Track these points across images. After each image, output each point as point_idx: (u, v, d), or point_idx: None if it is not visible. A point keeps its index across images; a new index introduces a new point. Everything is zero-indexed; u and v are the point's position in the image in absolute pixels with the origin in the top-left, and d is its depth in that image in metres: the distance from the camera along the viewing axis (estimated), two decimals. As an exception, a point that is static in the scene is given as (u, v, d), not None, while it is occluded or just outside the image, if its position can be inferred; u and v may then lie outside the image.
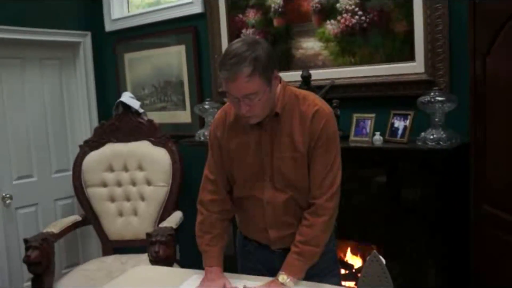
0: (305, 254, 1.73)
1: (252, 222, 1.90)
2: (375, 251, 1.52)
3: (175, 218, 3.20)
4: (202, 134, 3.22)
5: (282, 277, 1.70)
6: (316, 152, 1.73)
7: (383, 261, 1.52)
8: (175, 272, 1.95)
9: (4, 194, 3.57)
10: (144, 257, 2.95)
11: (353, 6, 2.74)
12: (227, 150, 1.85)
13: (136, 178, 3.46)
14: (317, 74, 2.83)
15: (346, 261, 2.94)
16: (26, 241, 2.95)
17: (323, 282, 1.81)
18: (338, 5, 2.79)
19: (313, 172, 1.75)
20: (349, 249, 2.95)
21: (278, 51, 3.08)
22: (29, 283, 3.10)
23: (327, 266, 1.90)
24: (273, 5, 3.09)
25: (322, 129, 1.71)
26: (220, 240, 1.90)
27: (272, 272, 1.89)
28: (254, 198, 1.83)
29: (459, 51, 2.39)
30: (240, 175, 1.85)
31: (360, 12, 2.72)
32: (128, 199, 3.48)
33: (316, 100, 1.77)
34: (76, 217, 3.48)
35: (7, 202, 3.58)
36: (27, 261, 2.90)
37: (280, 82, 1.78)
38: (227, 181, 1.90)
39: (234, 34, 3.29)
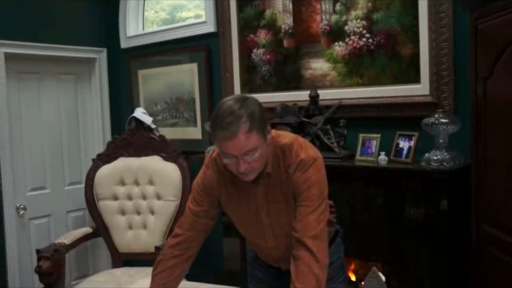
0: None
1: (262, 255, 1.99)
2: (374, 268, 1.57)
3: (183, 232, 3.25)
4: (212, 150, 3.28)
5: None
6: (300, 196, 1.70)
7: (383, 278, 1.57)
8: (182, 285, 1.98)
9: (18, 205, 3.66)
10: (152, 270, 3.00)
11: (361, 29, 2.81)
12: (224, 202, 1.84)
13: (146, 192, 3.53)
14: (325, 94, 2.90)
15: (350, 278, 2.96)
16: (38, 251, 3.02)
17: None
18: (346, 27, 2.87)
19: (297, 211, 1.70)
20: (352, 267, 2.97)
21: (288, 71, 3.16)
22: (40, 293, 3.16)
23: (335, 274, 1.95)
24: (283, 26, 3.17)
25: (305, 177, 1.68)
26: (169, 275, 1.84)
27: (282, 282, 1.93)
28: (259, 243, 1.91)
29: (463, 74, 2.44)
30: (241, 226, 1.91)
31: (367, 35, 2.79)
32: (138, 212, 3.55)
33: (299, 151, 1.72)
34: (87, 229, 3.56)
35: (21, 212, 3.67)
36: (38, 271, 2.97)
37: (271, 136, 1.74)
38: (206, 225, 1.87)
39: (245, 53, 3.39)
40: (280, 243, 1.83)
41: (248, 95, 1.72)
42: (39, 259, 2.99)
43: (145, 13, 4.28)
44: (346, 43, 2.88)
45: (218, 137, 1.57)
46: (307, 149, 1.73)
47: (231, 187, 1.80)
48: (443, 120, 2.38)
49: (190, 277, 3.23)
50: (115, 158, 3.67)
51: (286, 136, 1.77)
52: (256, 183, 1.74)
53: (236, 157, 1.58)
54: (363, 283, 2.81)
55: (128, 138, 3.68)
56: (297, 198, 1.71)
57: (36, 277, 3.08)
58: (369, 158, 2.65)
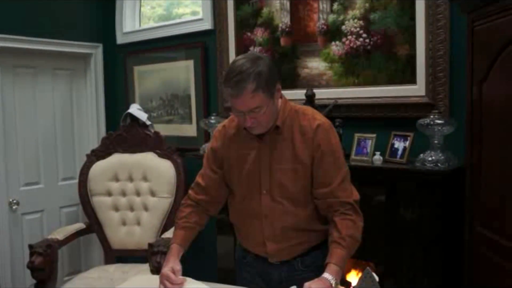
0: (352, 249, 1.77)
1: (251, 235, 1.95)
2: (368, 267, 1.57)
3: (177, 230, 3.25)
4: (207, 148, 3.28)
5: (334, 282, 1.64)
6: (326, 162, 1.79)
7: (376, 278, 1.57)
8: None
9: (11, 200, 3.64)
10: (146, 267, 3.00)
11: (357, 29, 2.81)
12: (227, 161, 1.92)
13: (140, 188, 3.53)
14: (321, 93, 2.90)
15: (344, 278, 2.97)
16: (31, 246, 3.01)
17: None
18: (343, 27, 2.87)
19: (331, 180, 1.79)
20: (347, 266, 2.98)
21: (284, 70, 3.16)
22: (32, 289, 3.15)
23: None
24: (280, 25, 3.17)
25: (327, 142, 1.80)
26: (186, 222, 1.95)
27: (269, 284, 1.94)
28: (252, 212, 1.88)
29: (459, 76, 2.44)
30: (239, 187, 1.91)
31: (364, 35, 2.79)
32: (132, 209, 3.54)
33: (315, 115, 1.86)
34: (80, 225, 3.55)
35: (14, 207, 3.65)
36: (31, 266, 2.95)
37: (281, 97, 1.85)
38: (215, 189, 1.98)
39: (241, 51, 3.36)
40: (275, 210, 1.84)
41: (262, 54, 1.82)
42: (31, 254, 2.97)
43: (142, 9, 4.27)
44: (343, 42, 2.88)
45: (227, 93, 1.71)
46: (321, 116, 1.87)
47: (235, 149, 1.90)
48: (438, 121, 2.39)
49: (183, 276, 3.23)
50: (109, 154, 3.66)
51: (300, 105, 1.96)
52: (262, 141, 1.83)
53: (243, 112, 1.70)
54: (354, 282, 2.82)
55: (123, 134, 3.67)
56: (320, 162, 1.79)
57: (28, 272, 3.06)
58: (364, 158, 2.65)
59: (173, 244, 1.90)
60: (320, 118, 1.84)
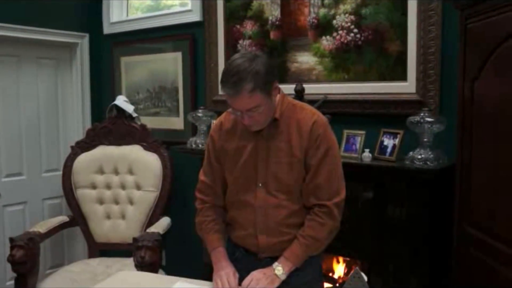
0: (311, 249, 1.83)
1: (243, 228, 1.94)
2: (357, 267, 1.55)
3: (162, 224, 3.20)
4: (194, 141, 3.24)
5: (278, 269, 1.78)
6: (317, 157, 1.80)
7: (365, 277, 1.55)
8: (160, 279, 1.95)
9: (-8, 191, 3.57)
10: (130, 261, 2.95)
11: (349, 24, 2.78)
12: (224, 155, 1.93)
13: (126, 181, 3.47)
14: (310, 89, 2.86)
15: (330, 275, 2.96)
16: (11, 240, 2.94)
17: None
18: (334, 21, 2.84)
19: (317, 177, 1.81)
20: (333, 264, 2.97)
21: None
22: (12, 282, 3.08)
23: (313, 278, 1.94)
24: (270, 18, 3.13)
25: (322, 137, 1.81)
26: (216, 224, 1.98)
27: None
28: (246, 203, 1.89)
29: (450, 74, 2.43)
30: (234, 178, 1.91)
31: (355, 30, 2.76)
32: (116, 202, 3.49)
33: (313, 110, 1.89)
34: (63, 218, 3.48)
35: (-5, 199, 3.58)
36: (11, 260, 2.89)
37: (279, 92, 1.86)
38: (220, 184, 1.99)
39: (230, 44, 3.33)
40: (269, 203, 1.85)
41: (259, 53, 1.81)
42: (12, 247, 2.91)
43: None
44: (334, 37, 2.85)
45: (225, 92, 1.73)
46: (319, 113, 1.88)
47: (232, 142, 1.91)
48: (429, 119, 2.37)
49: (168, 271, 3.20)
50: (94, 146, 3.61)
51: (297, 101, 1.99)
52: (260, 134, 1.84)
53: (241, 111, 1.73)
54: (341, 279, 2.81)
55: (109, 126, 3.61)
56: (314, 154, 1.80)
57: (8, 266, 3.00)
58: (353, 155, 2.62)
59: (218, 248, 1.94)
60: (318, 113, 1.87)
